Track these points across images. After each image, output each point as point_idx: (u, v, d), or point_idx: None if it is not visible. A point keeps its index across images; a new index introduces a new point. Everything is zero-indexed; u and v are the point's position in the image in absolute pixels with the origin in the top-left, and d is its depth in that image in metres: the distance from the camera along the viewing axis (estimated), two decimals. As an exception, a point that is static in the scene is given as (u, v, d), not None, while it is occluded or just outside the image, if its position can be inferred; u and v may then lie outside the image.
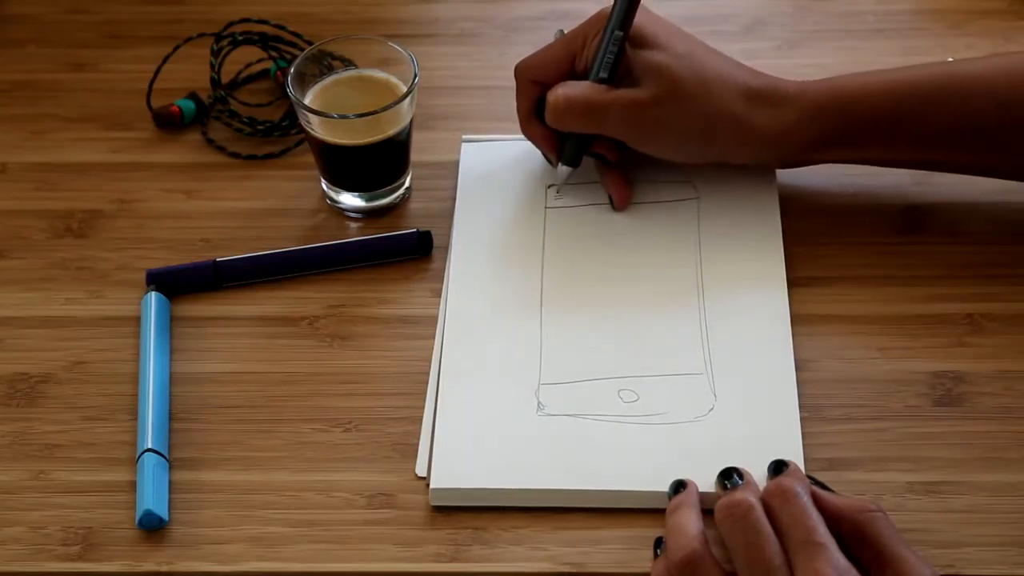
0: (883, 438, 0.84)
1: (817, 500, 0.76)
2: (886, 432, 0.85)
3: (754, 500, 0.76)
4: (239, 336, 0.91)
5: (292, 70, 0.95)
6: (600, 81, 0.91)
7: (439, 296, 0.92)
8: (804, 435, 0.84)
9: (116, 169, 1.01)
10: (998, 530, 0.80)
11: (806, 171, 0.95)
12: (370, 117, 0.92)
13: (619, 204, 0.95)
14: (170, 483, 0.84)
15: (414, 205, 0.98)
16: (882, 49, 1.07)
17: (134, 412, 0.87)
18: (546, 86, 0.93)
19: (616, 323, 0.90)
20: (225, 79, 1.05)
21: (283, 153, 1.02)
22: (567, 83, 0.92)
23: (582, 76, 0.92)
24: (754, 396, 0.85)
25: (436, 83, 1.04)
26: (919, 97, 0.90)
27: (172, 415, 0.87)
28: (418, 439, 0.85)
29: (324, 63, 0.97)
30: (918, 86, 0.90)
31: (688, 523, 0.77)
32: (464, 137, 1.00)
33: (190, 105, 1.03)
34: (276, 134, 1.03)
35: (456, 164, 0.99)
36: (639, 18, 0.91)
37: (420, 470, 0.84)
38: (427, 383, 0.88)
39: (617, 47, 0.90)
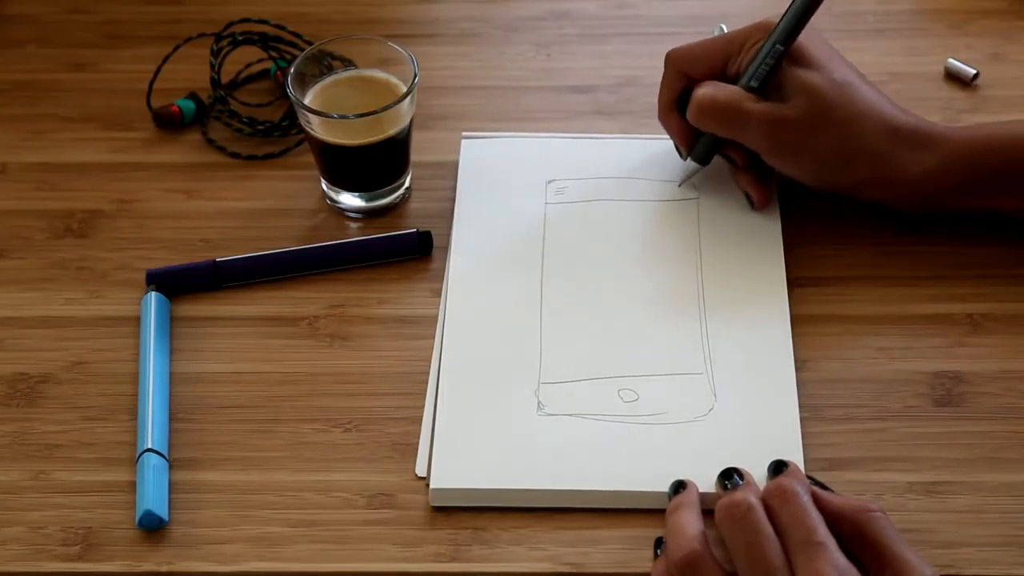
0: (883, 438, 0.84)
1: (817, 500, 0.76)
2: (886, 432, 0.85)
3: (754, 500, 0.76)
4: (239, 336, 0.91)
5: (292, 70, 0.95)
6: (749, 89, 0.90)
7: (439, 296, 0.92)
8: (804, 435, 0.84)
9: (116, 169, 1.01)
10: (998, 530, 0.80)
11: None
12: (370, 117, 0.92)
13: (759, 204, 0.94)
14: (170, 483, 0.84)
15: (414, 205, 0.98)
16: (882, 49, 1.07)
17: (134, 412, 0.87)
18: (693, 80, 0.92)
19: (616, 323, 0.90)
20: (225, 79, 1.05)
21: (283, 153, 1.02)
22: (717, 84, 0.91)
23: (732, 80, 0.92)
24: (754, 396, 0.86)
25: (436, 83, 1.04)
26: None
27: (172, 415, 0.87)
28: (418, 439, 0.85)
29: (324, 63, 0.97)
30: None
31: (688, 523, 0.77)
32: (464, 133, 1.00)
33: (190, 105, 1.03)
34: (276, 134, 1.03)
35: (456, 164, 0.99)
36: (803, 36, 0.90)
37: (420, 470, 0.84)
38: (427, 383, 0.88)
39: (775, 60, 0.90)
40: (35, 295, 0.93)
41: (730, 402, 0.85)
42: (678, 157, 0.96)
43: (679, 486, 0.80)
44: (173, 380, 0.89)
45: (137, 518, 0.81)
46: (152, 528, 0.82)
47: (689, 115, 0.92)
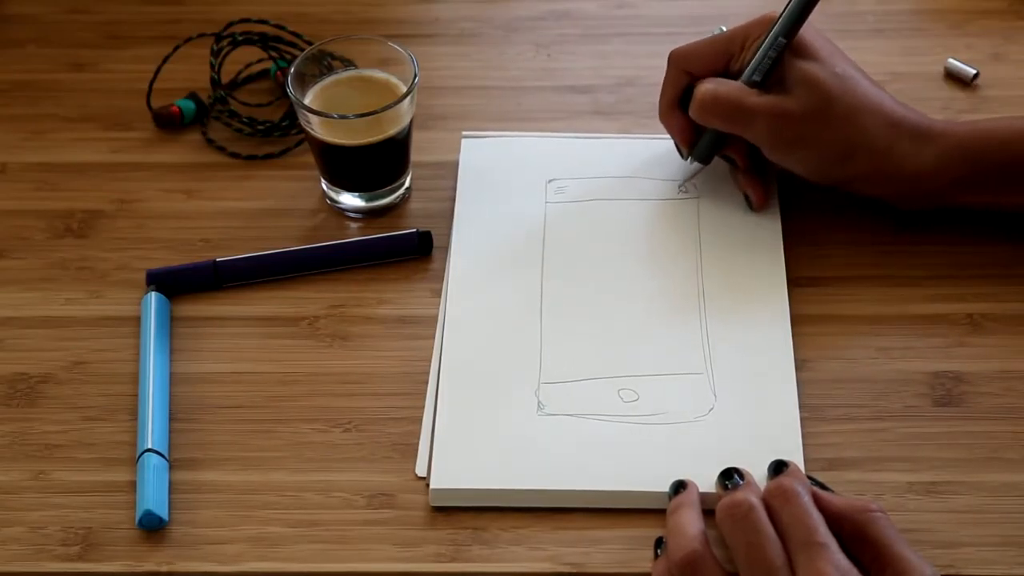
0: (883, 438, 0.84)
1: (817, 500, 0.76)
2: (886, 432, 0.85)
3: (755, 500, 0.76)
4: (239, 336, 0.91)
5: (292, 70, 0.95)
6: (752, 84, 0.90)
7: (439, 296, 0.92)
8: (804, 435, 0.84)
9: (116, 169, 1.01)
10: (998, 530, 0.80)
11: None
12: (370, 117, 0.92)
13: (757, 205, 0.94)
14: (170, 483, 0.83)
15: (414, 205, 0.98)
16: (882, 49, 1.07)
17: (134, 412, 0.87)
18: (695, 78, 0.92)
19: (616, 322, 0.90)
20: (225, 79, 1.05)
21: (283, 153, 1.02)
22: (718, 79, 0.91)
23: (734, 77, 0.92)
24: (754, 396, 0.85)
25: (436, 83, 1.04)
26: None
27: (172, 415, 0.87)
28: (418, 439, 0.85)
29: (324, 63, 0.97)
30: None
31: (689, 523, 0.77)
32: (464, 133, 1.00)
33: (190, 105, 1.03)
34: (276, 134, 1.03)
35: (456, 164, 0.99)
36: (803, 30, 0.90)
37: (420, 470, 0.84)
38: (427, 383, 0.88)
39: (778, 53, 0.90)
40: (35, 295, 0.93)
41: (730, 402, 0.85)
42: (678, 157, 0.96)
43: (679, 486, 0.80)
44: (173, 380, 0.89)
45: (137, 518, 0.81)
46: (152, 528, 0.82)
47: (692, 111, 0.92)
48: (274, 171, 1.01)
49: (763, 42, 0.90)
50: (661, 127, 0.96)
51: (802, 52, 0.90)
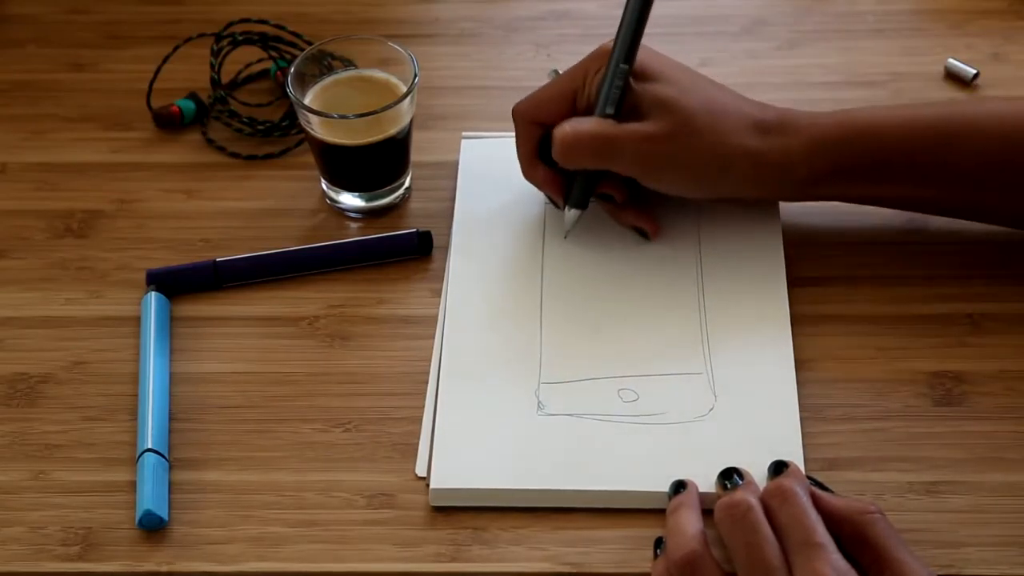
0: (883, 438, 0.84)
1: (817, 501, 0.76)
2: (886, 432, 0.85)
3: (754, 500, 0.76)
4: (239, 336, 0.91)
5: (292, 70, 0.95)
6: (607, 116, 0.88)
7: (439, 296, 0.92)
8: (804, 435, 0.84)
9: (116, 169, 1.01)
10: (998, 530, 0.80)
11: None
12: (370, 117, 0.92)
13: (653, 234, 0.93)
14: (170, 483, 0.84)
15: (414, 205, 0.98)
16: (882, 49, 1.07)
17: (134, 412, 0.87)
18: (547, 126, 0.90)
19: (616, 322, 0.90)
20: (225, 79, 1.05)
21: (283, 153, 1.02)
22: (574, 119, 0.89)
23: (584, 114, 0.90)
24: (754, 396, 0.86)
25: (436, 83, 1.05)
26: (932, 135, 0.88)
27: (172, 415, 0.87)
28: (418, 439, 0.85)
29: (324, 63, 0.97)
30: (931, 124, 0.88)
31: (688, 523, 0.77)
32: (464, 134, 1.00)
33: (190, 105, 1.03)
34: (276, 134, 1.03)
35: (456, 164, 0.99)
36: (640, 54, 0.89)
37: (420, 470, 0.84)
38: (427, 383, 0.88)
39: (623, 80, 0.88)
40: (35, 295, 0.93)
41: (730, 402, 0.85)
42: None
43: (679, 486, 0.80)
44: (173, 380, 0.89)
45: (137, 518, 0.81)
46: (152, 528, 0.82)
47: (556, 155, 0.89)
48: (274, 171, 1.01)
49: (606, 74, 0.88)
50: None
51: (646, 76, 0.89)
